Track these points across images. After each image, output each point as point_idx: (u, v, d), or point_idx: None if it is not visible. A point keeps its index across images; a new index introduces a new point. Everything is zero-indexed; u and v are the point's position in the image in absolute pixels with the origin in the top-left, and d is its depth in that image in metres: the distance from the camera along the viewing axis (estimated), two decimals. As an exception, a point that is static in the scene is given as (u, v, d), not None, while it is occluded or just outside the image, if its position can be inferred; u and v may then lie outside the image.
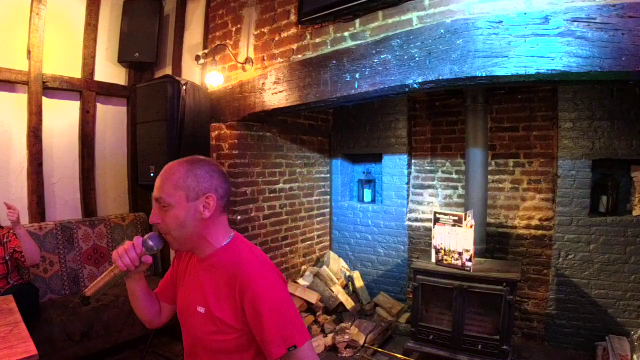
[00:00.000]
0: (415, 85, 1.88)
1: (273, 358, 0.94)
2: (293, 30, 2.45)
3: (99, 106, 3.44)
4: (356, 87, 2.08)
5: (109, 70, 3.49)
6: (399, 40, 1.92)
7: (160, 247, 1.06)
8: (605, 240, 2.52)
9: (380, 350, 2.77)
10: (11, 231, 2.45)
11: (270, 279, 0.99)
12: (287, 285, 1.04)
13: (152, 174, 2.60)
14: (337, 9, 2.14)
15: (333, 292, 3.24)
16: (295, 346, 0.94)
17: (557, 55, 1.53)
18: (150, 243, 1.04)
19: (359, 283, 3.46)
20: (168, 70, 3.56)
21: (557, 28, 1.52)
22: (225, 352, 1.01)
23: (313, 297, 3.13)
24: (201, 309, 1.03)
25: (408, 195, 3.37)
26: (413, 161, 3.41)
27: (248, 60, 2.72)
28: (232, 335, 0.99)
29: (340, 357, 2.70)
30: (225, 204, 1.06)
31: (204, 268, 1.07)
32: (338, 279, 3.46)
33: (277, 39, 2.55)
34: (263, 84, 2.55)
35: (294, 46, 2.44)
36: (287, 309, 0.97)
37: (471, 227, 2.48)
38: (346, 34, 2.18)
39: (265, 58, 2.62)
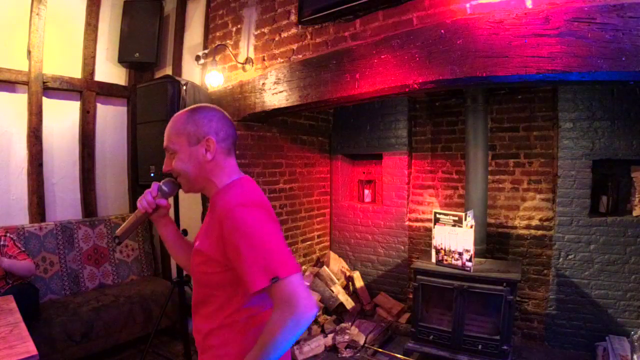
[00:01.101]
0: (415, 85, 1.88)
1: (254, 290, 0.91)
2: (293, 30, 2.45)
3: (99, 106, 3.44)
4: (356, 87, 2.08)
5: (109, 70, 3.48)
6: (399, 40, 1.92)
7: (174, 192, 1.16)
8: (605, 240, 2.52)
9: (380, 350, 2.77)
10: (8, 234, 2.45)
11: (249, 208, 0.97)
12: (277, 223, 1.01)
13: (152, 174, 2.60)
14: (337, 9, 2.14)
15: (333, 292, 3.24)
16: (277, 277, 0.90)
17: (557, 55, 1.53)
18: (164, 188, 1.15)
19: (359, 283, 3.46)
20: (168, 70, 3.56)
21: (557, 28, 1.52)
22: (209, 285, 1.05)
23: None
24: (196, 244, 1.09)
25: (408, 195, 3.37)
26: (413, 161, 3.41)
27: (248, 60, 2.72)
28: (215, 269, 1.01)
29: (340, 357, 2.70)
30: (228, 147, 1.11)
31: (209, 207, 1.13)
32: (338, 279, 3.46)
33: (277, 39, 2.55)
34: (263, 84, 2.55)
35: (294, 46, 2.44)
36: (268, 239, 0.94)
37: (471, 227, 2.48)
38: (346, 34, 2.18)
39: (265, 58, 2.62)
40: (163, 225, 1.24)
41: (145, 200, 1.14)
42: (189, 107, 1.12)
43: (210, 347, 1.05)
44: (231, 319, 1.02)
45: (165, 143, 1.09)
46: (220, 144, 1.07)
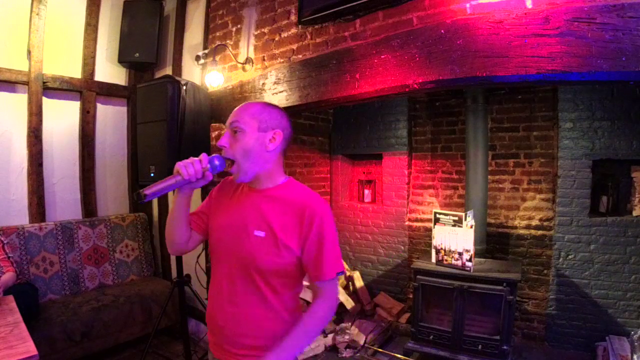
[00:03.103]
0: (415, 85, 1.88)
1: (323, 279, 1.12)
2: (293, 30, 2.45)
3: (99, 106, 3.44)
4: (356, 87, 2.08)
5: (109, 70, 3.49)
6: (399, 40, 1.92)
7: (222, 169, 1.13)
8: (605, 240, 2.52)
9: (380, 350, 2.77)
10: (0, 235, 2.45)
11: (330, 214, 1.17)
12: None
13: (152, 174, 2.60)
14: (337, 9, 2.14)
15: (333, 292, 3.24)
16: (342, 272, 1.15)
17: (557, 55, 1.53)
18: (216, 162, 1.11)
19: (359, 283, 3.46)
20: (168, 70, 3.56)
21: (557, 28, 1.52)
22: (276, 273, 1.14)
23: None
24: (259, 233, 1.14)
25: (408, 195, 3.37)
26: (413, 161, 3.41)
27: (248, 60, 2.72)
28: (288, 259, 1.13)
29: (340, 357, 2.70)
30: (284, 148, 1.20)
31: (263, 198, 1.18)
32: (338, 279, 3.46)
33: (277, 39, 2.55)
34: (263, 84, 2.55)
35: (294, 46, 2.44)
36: (337, 242, 1.17)
37: (471, 227, 2.48)
38: (346, 33, 2.18)
39: (265, 58, 2.62)
40: (185, 197, 1.18)
41: (192, 168, 1.07)
42: (260, 101, 1.21)
43: (261, 330, 1.15)
44: (290, 303, 1.20)
45: (233, 119, 1.14)
46: (283, 141, 1.17)
